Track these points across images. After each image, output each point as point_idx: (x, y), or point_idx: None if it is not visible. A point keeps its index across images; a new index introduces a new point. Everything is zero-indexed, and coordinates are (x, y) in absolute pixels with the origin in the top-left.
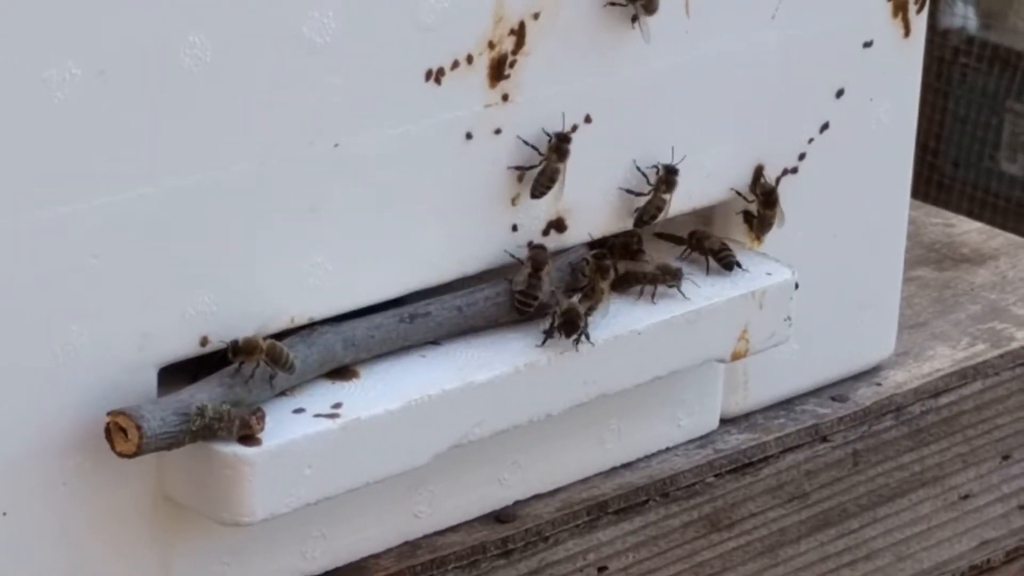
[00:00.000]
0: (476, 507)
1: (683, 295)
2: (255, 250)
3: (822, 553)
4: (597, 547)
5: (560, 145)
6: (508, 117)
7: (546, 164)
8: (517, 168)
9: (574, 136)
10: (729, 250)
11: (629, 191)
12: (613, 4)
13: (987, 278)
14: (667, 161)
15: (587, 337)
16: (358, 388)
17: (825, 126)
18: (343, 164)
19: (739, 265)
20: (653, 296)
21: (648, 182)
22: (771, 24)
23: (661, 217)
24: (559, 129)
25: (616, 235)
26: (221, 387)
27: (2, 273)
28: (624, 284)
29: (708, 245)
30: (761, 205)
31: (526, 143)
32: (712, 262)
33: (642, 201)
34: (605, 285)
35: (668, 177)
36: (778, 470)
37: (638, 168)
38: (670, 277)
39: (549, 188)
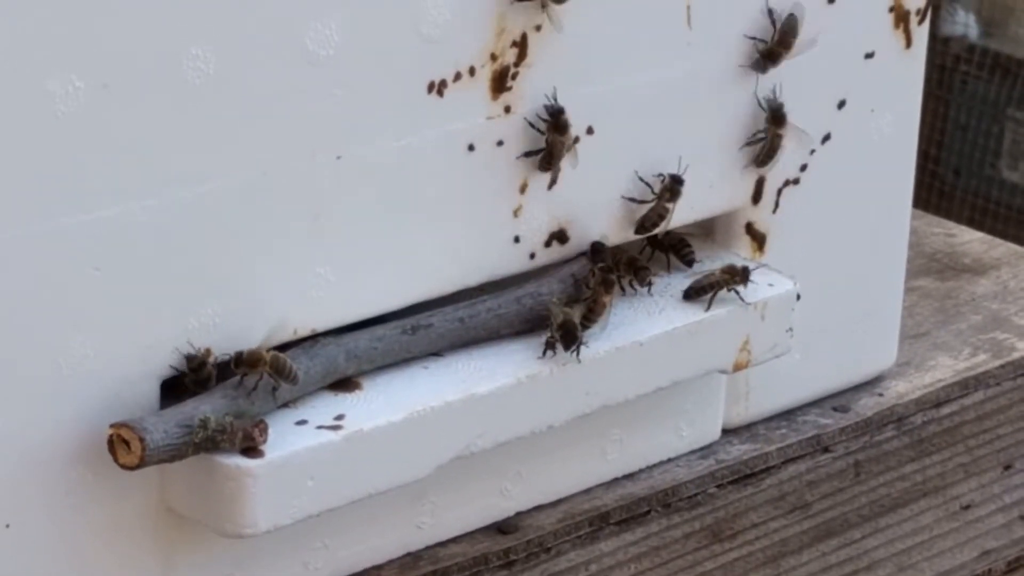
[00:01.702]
0: (478, 518)
1: (742, 298)
2: (258, 262)
3: (824, 563)
4: (599, 558)
5: (557, 120)
6: (510, 129)
7: (550, 142)
8: (526, 155)
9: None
10: (689, 246)
11: (632, 199)
12: None
13: (989, 288)
14: (670, 171)
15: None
16: (360, 400)
17: (827, 137)
18: (346, 176)
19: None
20: (710, 304)
21: (652, 191)
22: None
23: (663, 226)
24: (549, 104)
25: (621, 247)
26: (224, 399)
27: (5, 285)
28: (695, 295)
29: (667, 242)
30: (770, 120)
31: (532, 124)
32: (673, 259)
33: (644, 209)
34: (608, 299)
35: (673, 186)
36: (780, 480)
37: (640, 179)
38: (739, 278)
39: (557, 160)
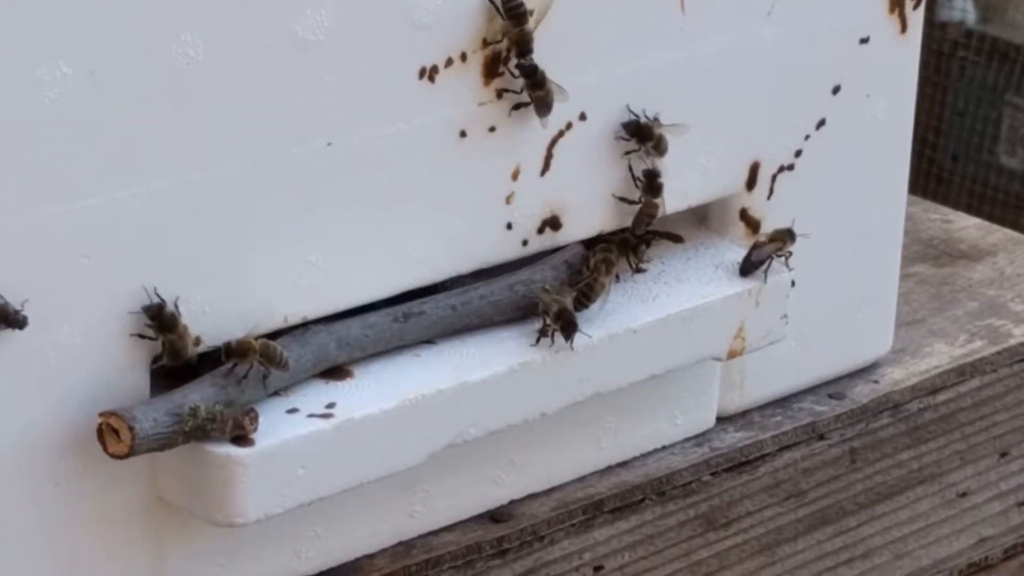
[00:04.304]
0: (471, 507)
1: (787, 266)
2: (248, 249)
3: (819, 551)
4: (593, 546)
5: (527, 74)
6: (502, 115)
7: (533, 96)
8: (516, 108)
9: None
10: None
11: (623, 199)
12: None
13: (985, 274)
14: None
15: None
16: (352, 388)
17: (822, 123)
18: (336, 162)
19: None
20: (767, 277)
21: (636, 186)
22: (767, 20)
23: (658, 217)
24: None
25: (615, 232)
26: (214, 387)
27: None
28: (752, 268)
29: (618, 239)
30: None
31: (509, 92)
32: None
33: (635, 208)
34: (607, 280)
35: (651, 183)
36: (775, 468)
37: (629, 169)
38: (788, 239)
39: (549, 108)
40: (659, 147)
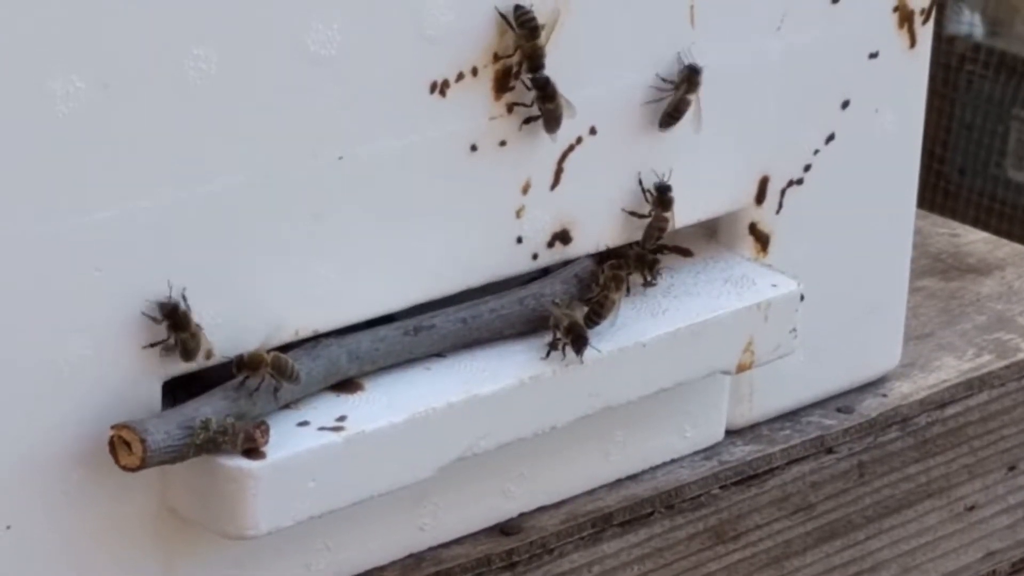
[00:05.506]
0: (481, 519)
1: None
2: (259, 262)
3: (827, 565)
4: (602, 559)
5: (539, 86)
6: (513, 129)
7: (543, 108)
8: (526, 121)
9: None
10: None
11: (632, 213)
12: None
13: (993, 288)
14: (663, 178)
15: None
16: (362, 401)
17: (831, 137)
18: (347, 176)
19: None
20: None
21: (646, 200)
22: (776, 35)
23: (668, 231)
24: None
25: (630, 245)
26: (225, 400)
27: (6, 285)
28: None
29: (634, 254)
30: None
31: (519, 104)
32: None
33: (645, 222)
34: (618, 296)
35: (662, 197)
36: (783, 482)
37: (640, 183)
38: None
39: (558, 122)
40: (682, 101)
